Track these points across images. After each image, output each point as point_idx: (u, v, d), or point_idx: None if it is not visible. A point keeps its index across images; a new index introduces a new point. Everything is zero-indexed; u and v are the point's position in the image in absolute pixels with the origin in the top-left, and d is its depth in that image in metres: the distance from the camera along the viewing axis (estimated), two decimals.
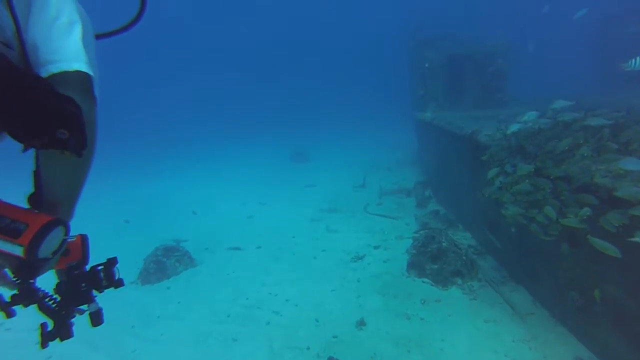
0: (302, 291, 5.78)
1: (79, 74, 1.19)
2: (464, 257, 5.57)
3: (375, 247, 7.10)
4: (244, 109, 37.69)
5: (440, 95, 10.63)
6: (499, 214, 5.05)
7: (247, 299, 5.71)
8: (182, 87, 43.58)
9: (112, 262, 1.32)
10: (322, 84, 44.25)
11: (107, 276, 1.29)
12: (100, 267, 1.29)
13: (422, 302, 5.20)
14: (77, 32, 1.24)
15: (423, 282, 5.70)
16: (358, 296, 5.51)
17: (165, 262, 6.24)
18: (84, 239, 1.34)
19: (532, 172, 3.66)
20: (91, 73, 1.23)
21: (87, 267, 1.29)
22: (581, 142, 3.43)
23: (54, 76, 1.16)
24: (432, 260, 5.69)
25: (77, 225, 1.35)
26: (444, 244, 5.66)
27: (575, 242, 3.55)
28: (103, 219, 10.22)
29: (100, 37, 1.54)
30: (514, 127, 4.16)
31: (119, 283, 1.33)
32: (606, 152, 3.33)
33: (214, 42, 47.74)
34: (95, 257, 1.37)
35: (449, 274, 5.54)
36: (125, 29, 1.57)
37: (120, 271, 1.35)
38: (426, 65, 10.52)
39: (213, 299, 5.80)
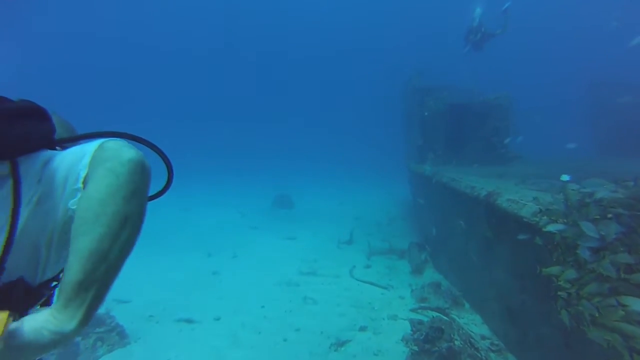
0: None
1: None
2: None
3: (362, 329, 5.62)
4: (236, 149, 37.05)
5: (439, 147, 9.65)
6: (524, 299, 3.74)
7: None
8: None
9: None
10: (311, 128, 44.23)
11: None
12: None
13: None
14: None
15: None
16: None
17: (78, 344, 4.59)
18: None
19: None
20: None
21: None
22: None
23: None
24: None
25: None
26: (456, 342, 4.25)
27: None
28: None
29: None
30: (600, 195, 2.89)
31: None
32: None
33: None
34: None
35: None
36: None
37: None
38: (426, 113, 9.61)
39: None
